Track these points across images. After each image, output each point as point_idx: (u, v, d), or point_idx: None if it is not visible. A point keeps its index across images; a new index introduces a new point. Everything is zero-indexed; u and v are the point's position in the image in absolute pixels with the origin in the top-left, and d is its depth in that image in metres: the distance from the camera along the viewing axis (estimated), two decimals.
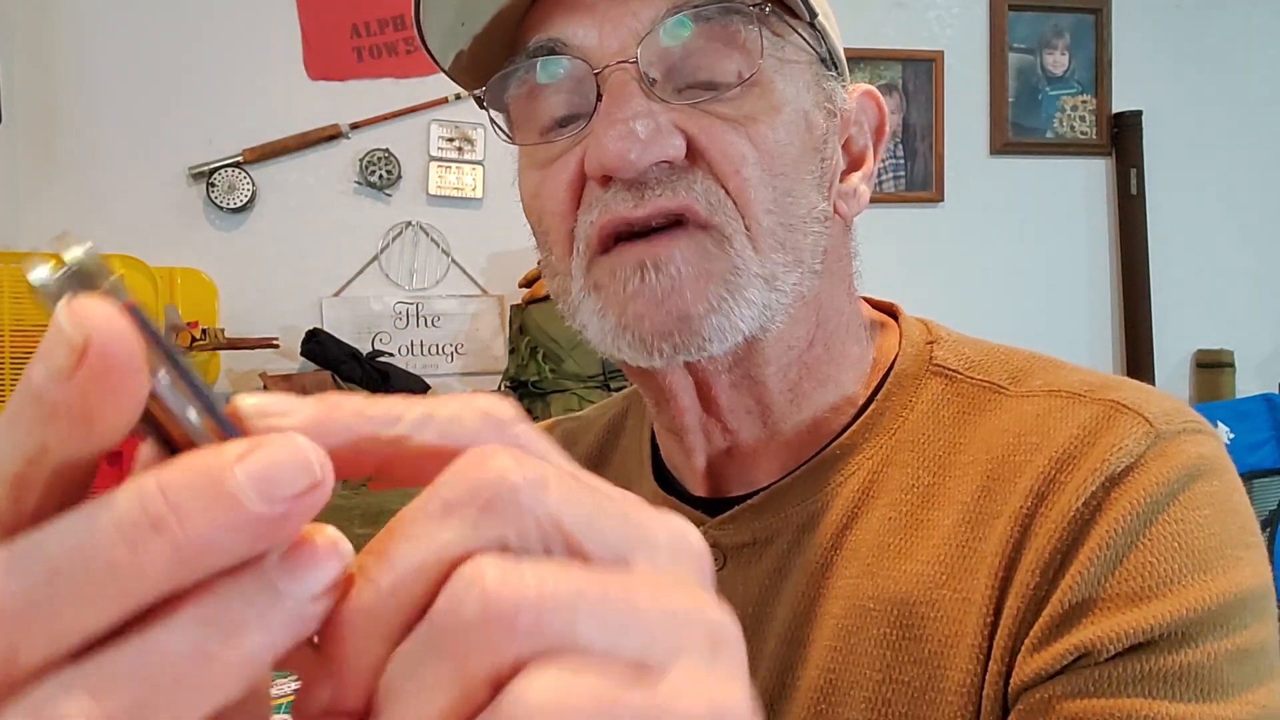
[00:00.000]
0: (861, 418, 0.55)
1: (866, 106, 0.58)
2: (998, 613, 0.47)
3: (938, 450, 0.53)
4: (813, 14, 0.52)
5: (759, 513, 0.54)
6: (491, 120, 0.56)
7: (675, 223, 0.49)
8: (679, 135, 0.48)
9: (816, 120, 0.53)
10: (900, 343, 0.57)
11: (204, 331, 1.87)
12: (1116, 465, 0.46)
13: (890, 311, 0.61)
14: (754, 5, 0.50)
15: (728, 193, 0.49)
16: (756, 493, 0.55)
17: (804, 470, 0.54)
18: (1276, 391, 2.26)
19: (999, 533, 0.48)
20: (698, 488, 0.57)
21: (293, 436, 0.18)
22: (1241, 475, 0.49)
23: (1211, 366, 2.50)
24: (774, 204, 0.50)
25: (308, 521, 0.18)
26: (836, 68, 0.55)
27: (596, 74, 0.49)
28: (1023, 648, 0.45)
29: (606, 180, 0.49)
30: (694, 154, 0.49)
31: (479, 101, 0.56)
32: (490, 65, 0.54)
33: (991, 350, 0.56)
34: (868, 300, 0.61)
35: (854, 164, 0.58)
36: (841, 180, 0.56)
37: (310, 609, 0.18)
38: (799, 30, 0.52)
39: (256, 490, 0.17)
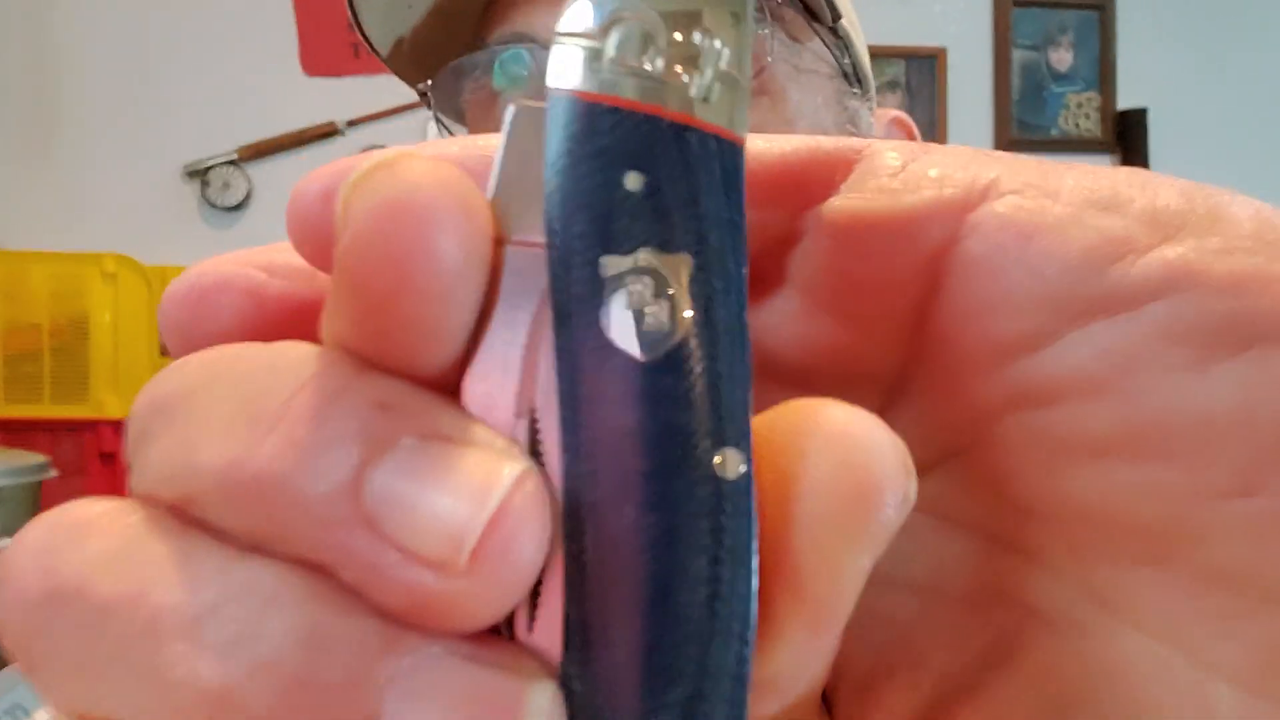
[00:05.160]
0: None
1: (895, 136, 0.52)
2: None
3: None
4: (835, 15, 0.46)
5: None
6: (440, 123, 0.50)
7: None
8: None
9: None
10: None
11: None
12: None
13: None
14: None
15: None
16: None
17: None
18: None
19: None
20: None
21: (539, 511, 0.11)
22: None
23: None
24: None
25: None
26: (861, 84, 0.50)
27: None
28: None
29: None
30: None
31: (424, 99, 0.48)
32: (446, 60, 0.48)
33: None
34: None
35: None
36: None
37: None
38: (820, 36, 0.46)
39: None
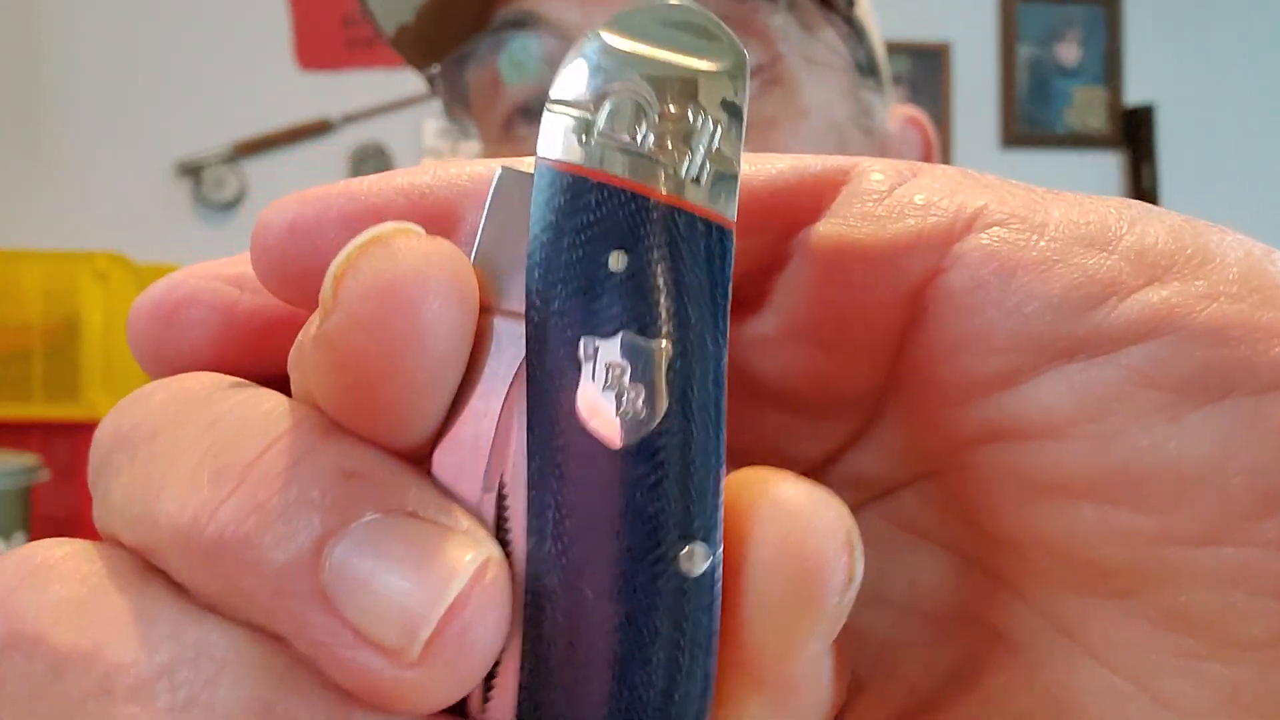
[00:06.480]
0: None
1: (909, 136, 0.51)
2: None
3: None
4: (850, 1, 0.45)
5: None
6: (446, 110, 0.50)
7: None
8: None
9: (852, 136, 0.46)
10: None
11: None
12: None
13: None
14: None
15: None
16: None
17: None
18: None
19: None
20: None
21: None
22: None
23: None
24: None
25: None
26: (876, 77, 0.48)
27: None
28: None
29: None
30: None
31: (431, 84, 0.49)
32: (452, 44, 0.48)
33: None
34: None
35: None
36: None
37: None
38: (834, 26, 0.45)
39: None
